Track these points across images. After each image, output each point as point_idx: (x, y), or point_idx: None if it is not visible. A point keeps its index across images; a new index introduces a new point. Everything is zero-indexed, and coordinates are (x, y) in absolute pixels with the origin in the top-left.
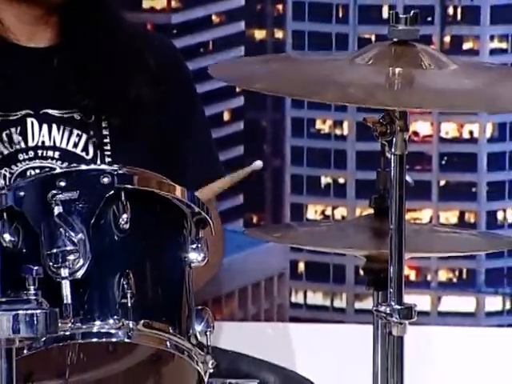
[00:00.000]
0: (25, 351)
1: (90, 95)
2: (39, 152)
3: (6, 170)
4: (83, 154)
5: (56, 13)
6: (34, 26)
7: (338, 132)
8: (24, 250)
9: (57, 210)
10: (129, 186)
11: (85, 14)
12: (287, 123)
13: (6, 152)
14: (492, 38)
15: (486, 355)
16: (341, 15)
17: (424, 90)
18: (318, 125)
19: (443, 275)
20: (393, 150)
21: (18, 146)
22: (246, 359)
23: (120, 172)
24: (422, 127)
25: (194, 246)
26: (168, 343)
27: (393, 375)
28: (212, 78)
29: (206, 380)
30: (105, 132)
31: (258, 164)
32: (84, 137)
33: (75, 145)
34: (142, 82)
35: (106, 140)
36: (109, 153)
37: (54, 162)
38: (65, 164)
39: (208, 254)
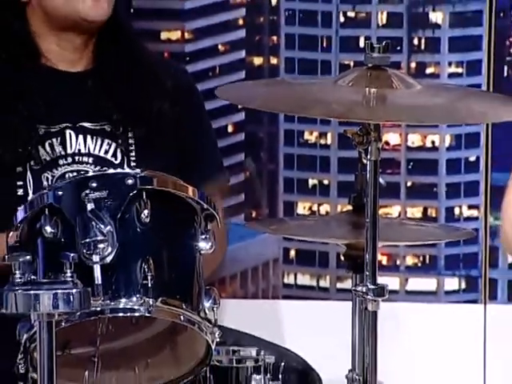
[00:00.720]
0: (62, 324)
1: (118, 111)
2: (76, 158)
3: (48, 173)
4: (112, 159)
5: (90, 43)
6: (73, 53)
7: (322, 142)
8: (62, 240)
9: (89, 206)
10: (149, 187)
11: (113, 44)
12: (280, 134)
13: (48, 158)
14: (450, 64)
15: (445, 327)
16: (325, 45)
17: (394, 106)
18: (306, 136)
19: (410, 260)
20: (368, 156)
21: (58, 154)
22: (246, 336)
23: (142, 175)
24: (392, 138)
25: (203, 237)
26: (181, 317)
27: (368, 344)
28: (218, 97)
29: (213, 347)
30: (130, 141)
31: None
32: (113, 145)
33: (106, 152)
34: (161, 100)
35: (131, 148)
36: (134, 158)
37: (89, 166)
38: (97, 168)
39: (215, 244)
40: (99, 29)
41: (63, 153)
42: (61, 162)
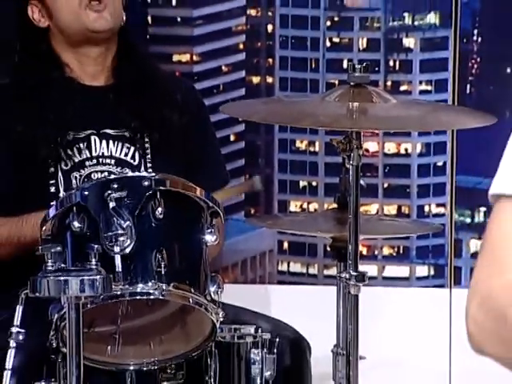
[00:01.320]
0: (88, 305)
1: (136, 120)
2: (100, 160)
3: (76, 173)
4: (131, 161)
5: (108, 58)
6: (93, 66)
7: (311, 149)
8: (88, 234)
9: (111, 204)
10: (162, 188)
11: (130, 63)
12: (275, 143)
13: (76, 160)
14: (420, 82)
15: (416, 308)
16: (313, 66)
17: (374, 117)
18: (297, 144)
19: (386, 251)
20: (351, 162)
21: (85, 156)
22: (245, 312)
23: (156, 178)
24: (371, 146)
25: (209, 231)
26: (190, 300)
27: (351, 322)
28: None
29: (217, 326)
30: (146, 145)
31: (257, 184)
32: (132, 149)
33: (126, 154)
34: (173, 112)
35: (147, 151)
36: (149, 159)
37: (111, 167)
38: (118, 168)
39: (219, 237)
40: (110, 39)
41: (89, 155)
42: (87, 163)
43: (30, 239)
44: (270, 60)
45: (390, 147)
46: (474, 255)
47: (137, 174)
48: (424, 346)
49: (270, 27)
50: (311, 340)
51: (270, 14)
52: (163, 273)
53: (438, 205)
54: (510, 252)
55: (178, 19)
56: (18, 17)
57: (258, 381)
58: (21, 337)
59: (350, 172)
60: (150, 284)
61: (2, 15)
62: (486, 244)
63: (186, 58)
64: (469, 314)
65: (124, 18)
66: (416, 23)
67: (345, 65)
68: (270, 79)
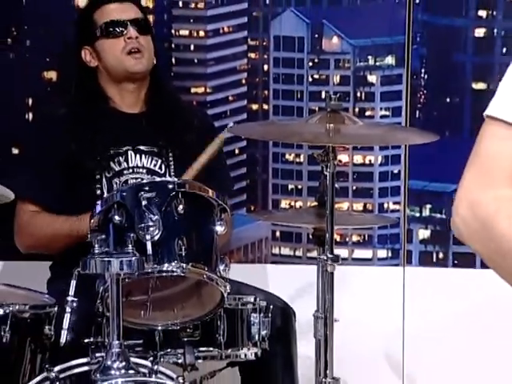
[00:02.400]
0: (126, 280)
1: (163, 139)
2: (135, 169)
3: (116, 180)
4: (159, 170)
5: (141, 92)
6: (130, 98)
7: (297, 160)
8: (125, 225)
9: (143, 202)
10: (182, 190)
11: (158, 96)
12: (270, 155)
13: (116, 169)
14: (381, 109)
15: (378, 282)
16: (299, 96)
17: (345, 136)
18: (287, 156)
19: (355, 238)
20: (328, 170)
21: (123, 167)
22: (246, 286)
23: (178, 182)
24: (343, 157)
25: (219, 223)
26: (204, 276)
27: (328, 293)
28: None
29: (225, 296)
30: (170, 158)
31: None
32: (159, 161)
33: (154, 165)
34: (190, 133)
35: (171, 163)
36: (172, 169)
37: (143, 175)
38: (149, 175)
39: (227, 228)
40: (145, 77)
41: (126, 166)
42: (125, 172)
43: (86, 232)
44: (266, 92)
45: (358, 158)
46: (422, 241)
47: (163, 179)
48: (383, 310)
49: (265, 67)
50: (298, 306)
51: (265, 56)
52: (183, 255)
53: (395, 203)
54: (499, 169)
55: (195, 60)
56: (74, 59)
57: (257, 337)
58: (74, 304)
59: (327, 178)
60: (173, 264)
61: (62, 58)
62: (475, 158)
63: (201, 90)
64: (458, 212)
65: (154, 60)
66: (377, 64)
67: (323, 95)
68: (265, 106)
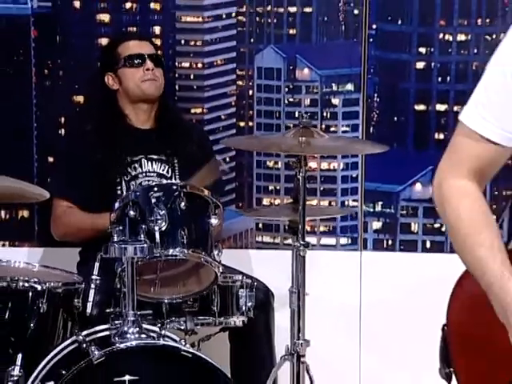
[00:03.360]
0: (139, 262)
1: (170, 149)
2: (147, 174)
3: (133, 182)
4: (166, 174)
5: (152, 111)
6: (143, 116)
7: (276, 166)
8: (138, 218)
9: (153, 200)
10: (184, 190)
11: (165, 114)
12: (254, 162)
13: (133, 174)
14: (342, 125)
15: (340, 264)
16: (278, 116)
17: (314, 147)
18: (268, 163)
19: (322, 228)
20: (300, 174)
21: (138, 172)
22: (235, 270)
23: (181, 184)
24: (313, 164)
25: (213, 217)
26: (202, 259)
27: (300, 272)
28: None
29: (218, 275)
30: (176, 165)
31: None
32: (167, 167)
33: (163, 170)
34: (191, 145)
35: (176, 168)
36: (177, 174)
37: (154, 178)
38: (158, 178)
39: (220, 221)
40: (157, 99)
41: (140, 171)
42: (139, 176)
43: (105, 227)
44: (251, 112)
45: (324, 165)
46: (375, 231)
47: (169, 181)
48: (345, 286)
49: (250, 92)
50: (276, 283)
51: (250, 83)
52: (185, 242)
53: (353, 200)
54: (463, 165)
55: (195, 87)
56: (98, 84)
57: (243, 308)
58: (98, 282)
59: (299, 180)
60: (176, 249)
61: (87, 85)
62: (450, 150)
63: (199, 110)
64: (433, 189)
65: (163, 87)
66: (339, 89)
67: (296, 115)
68: (250, 123)
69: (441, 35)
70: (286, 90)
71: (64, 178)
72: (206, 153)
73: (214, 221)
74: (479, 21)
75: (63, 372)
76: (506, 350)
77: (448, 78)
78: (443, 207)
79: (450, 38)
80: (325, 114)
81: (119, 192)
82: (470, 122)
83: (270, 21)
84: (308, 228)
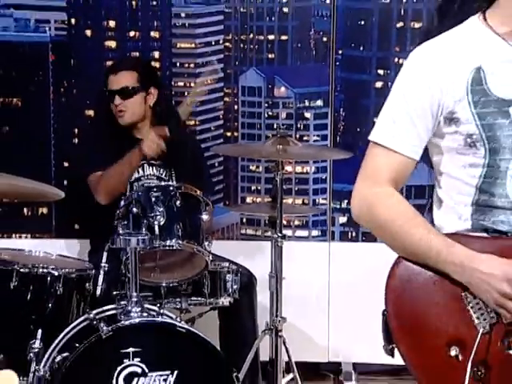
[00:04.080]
0: (141, 252)
1: (167, 156)
2: (148, 176)
3: (136, 183)
4: (164, 177)
5: (146, 126)
6: (141, 129)
7: (258, 170)
8: (140, 214)
9: (153, 199)
10: (179, 191)
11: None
12: (239, 167)
13: (136, 176)
14: (314, 135)
15: (312, 253)
16: (259, 127)
17: (290, 153)
18: (251, 167)
19: (296, 222)
20: (278, 176)
21: (140, 174)
22: (223, 258)
23: (176, 185)
24: (288, 168)
25: (204, 213)
26: (195, 249)
27: (278, 259)
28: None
29: (209, 263)
30: (172, 170)
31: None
32: (164, 171)
33: (161, 174)
34: (185, 152)
35: (172, 172)
36: (174, 177)
37: (154, 180)
38: (157, 181)
39: (210, 216)
40: (139, 120)
41: (143, 174)
42: (142, 178)
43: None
44: (236, 124)
45: (298, 169)
46: (342, 225)
47: (166, 183)
48: (316, 271)
49: (236, 107)
50: (258, 269)
51: (235, 100)
52: (180, 235)
53: (323, 199)
54: (377, 175)
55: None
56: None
57: (230, 290)
58: (106, 268)
59: (277, 182)
60: (173, 241)
61: (96, 102)
62: (363, 168)
63: (192, 123)
64: (353, 204)
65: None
66: (311, 105)
67: (275, 126)
68: (236, 134)
69: (396, 59)
70: (266, 105)
71: (86, 161)
72: (198, 159)
73: (204, 216)
74: None
75: (76, 345)
76: (437, 320)
77: None
78: (371, 211)
79: (403, 62)
80: (298, 126)
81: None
82: (383, 140)
83: (252, 47)
84: (284, 222)
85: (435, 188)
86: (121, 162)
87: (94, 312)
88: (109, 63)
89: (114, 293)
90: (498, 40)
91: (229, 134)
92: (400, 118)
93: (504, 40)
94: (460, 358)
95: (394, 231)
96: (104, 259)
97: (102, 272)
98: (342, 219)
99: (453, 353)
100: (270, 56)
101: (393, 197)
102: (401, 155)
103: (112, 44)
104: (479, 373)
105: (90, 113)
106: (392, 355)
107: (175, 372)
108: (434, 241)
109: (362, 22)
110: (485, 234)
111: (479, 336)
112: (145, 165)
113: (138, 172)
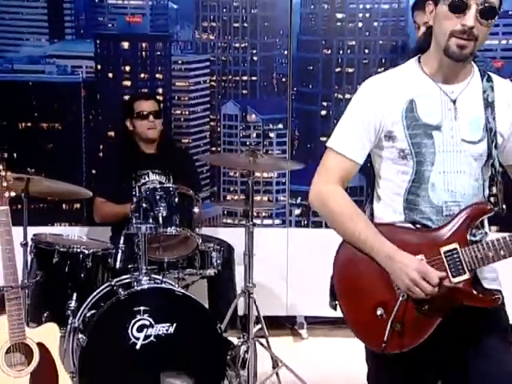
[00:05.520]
0: (149, 236)
1: (166, 166)
2: (152, 181)
3: (143, 187)
4: (165, 182)
5: (155, 143)
6: (149, 146)
7: (235, 175)
8: (148, 208)
9: (157, 197)
10: (177, 190)
11: (165, 143)
12: (221, 173)
13: (143, 181)
14: (276, 150)
15: (275, 236)
16: (235, 144)
17: (259, 163)
18: (230, 173)
19: (264, 214)
20: (250, 180)
21: (146, 180)
22: (209, 237)
23: (174, 186)
24: (258, 174)
25: (196, 207)
26: (188, 234)
27: (250, 242)
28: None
29: (199, 244)
30: (170, 176)
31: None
32: (164, 177)
33: (162, 179)
34: (181, 162)
35: (171, 178)
36: (172, 181)
37: (156, 184)
38: (160, 184)
39: (200, 209)
40: (157, 139)
41: (148, 180)
42: (147, 183)
43: (127, 214)
44: (219, 142)
45: (265, 175)
46: (297, 215)
47: (167, 185)
48: (278, 249)
49: (219, 129)
50: (235, 248)
51: (218, 124)
52: (178, 223)
53: (283, 196)
54: (330, 174)
55: (184, 126)
56: (122, 125)
57: (215, 263)
58: (123, 248)
59: (250, 184)
60: (172, 228)
61: (116, 125)
62: (320, 166)
63: (186, 141)
64: (311, 198)
65: (160, 129)
66: (274, 127)
67: (247, 143)
68: (219, 148)
69: (335, 94)
70: (241, 127)
71: (102, 184)
72: (190, 168)
73: (196, 210)
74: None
75: (101, 304)
76: (369, 287)
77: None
78: (325, 204)
79: (341, 96)
80: (265, 143)
81: (135, 192)
82: (336, 146)
83: (230, 85)
84: (255, 214)
85: (375, 187)
86: (119, 209)
87: (115, 280)
88: (125, 97)
89: (129, 266)
90: (426, 79)
91: (213, 148)
92: (350, 131)
93: (431, 79)
94: (384, 316)
95: (339, 222)
96: (122, 241)
97: (120, 251)
98: (297, 211)
99: (379, 312)
100: (243, 92)
101: (340, 192)
102: (348, 159)
103: (128, 83)
104: (396, 328)
105: (111, 133)
106: (335, 309)
107: (174, 324)
108: (370, 237)
109: (311, 68)
110: (412, 226)
111: (399, 302)
112: (149, 173)
113: (145, 178)
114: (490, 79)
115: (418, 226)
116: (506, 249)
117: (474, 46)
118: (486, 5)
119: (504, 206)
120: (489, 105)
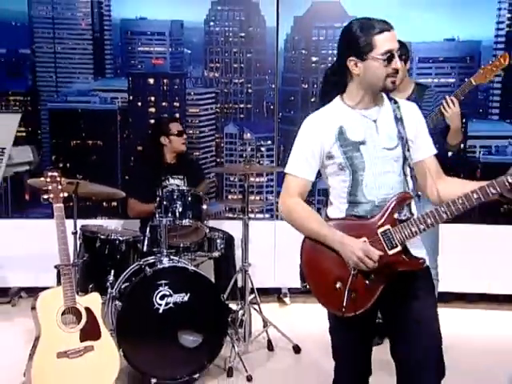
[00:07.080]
0: (168, 227)
1: (183, 173)
2: (173, 185)
3: (165, 189)
4: (182, 185)
5: (177, 156)
6: (172, 158)
7: (235, 180)
8: (168, 205)
9: (175, 197)
10: (190, 192)
11: (182, 156)
12: (224, 178)
13: (164, 185)
14: (266, 161)
15: (266, 227)
16: (236, 156)
17: (253, 170)
18: (231, 179)
19: (257, 209)
20: (246, 183)
21: (167, 183)
22: (216, 228)
23: (187, 188)
24: (252, 179)
25: (204, 204)
26: (199, 225)
27: (246, 232)
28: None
29: (206, 233)
30: (186, 181)
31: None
32: (181, 182)
33: (179, 183)
34: (193, 170)
35: (186, 183)
36: (186, 185)
37: (175, 187)
38: (177, 187)
39: (207, 206)
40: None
41: (168, 183)
42: (168, 186)
43: (152, 210)
44: (222, 155)
45: (257, 179)
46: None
47: (182, 187)
48: (268, 237)
49: (222, 145)
50: (235, 236)
51: (222, 141)
52: (190, 217)
53: (272, 196)
54: (291, 191)
55: (195, 142)
56: (151, 140)
57: (219, 247)
58: (148, 235)
59: (245, 187)
60: (186, 220)
61: (144, 141)
62: (283, 188)
63: (197, 153)
64: (279, 207)
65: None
66: (264, 144)
67: (244, 155)
68: (222, 160)
69: None
70: (239, 144)
71: (133, 187)
72: (201, 175)
73: (204, 207)
74: None
75: (133, 279)
76: (329, 267)
77: None
78: (291, 213)
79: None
80: (257, 155)
81: (158, 194)
82: (292, 171)
83: (231, 111)
84: (250, 210)
85: (328, 194)
86: (147, 207)
87: (142, 260)
88: (151, 121)
89: (153, 250)
90: (349, 109)
91: (218, 160)
92: (300, 158)
93: (352, 109)
94: (341, 288)
95: (301, 223)
96: (148, 231)
97: (146, 238)
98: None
99: (337, 285)
100: (241, 116)
101: (301, 203)
102: (302, 178)
103: (152, 110)
104: (352, 296)
105: (140, 148)
106: (305, 289)
107: (188, 294)
108: (323, 230)
109: (292, 98)
110: (354, 218)
111: (351, 275)
112: (169, 178)
113: (165, 182)
114: (396, 102)
115: (358, 217)
116: (433, 217)
117: (398, 79)
118: (399, 52)
119: (419, 193)
120: (398, 120)
